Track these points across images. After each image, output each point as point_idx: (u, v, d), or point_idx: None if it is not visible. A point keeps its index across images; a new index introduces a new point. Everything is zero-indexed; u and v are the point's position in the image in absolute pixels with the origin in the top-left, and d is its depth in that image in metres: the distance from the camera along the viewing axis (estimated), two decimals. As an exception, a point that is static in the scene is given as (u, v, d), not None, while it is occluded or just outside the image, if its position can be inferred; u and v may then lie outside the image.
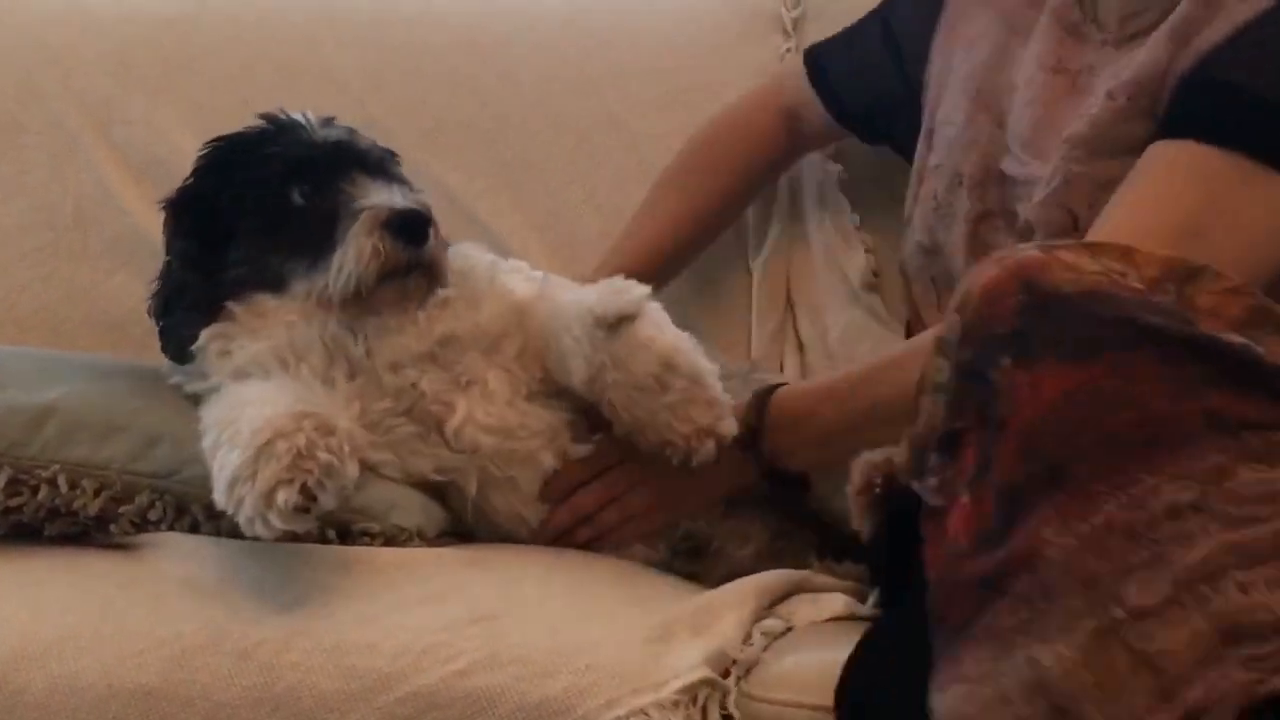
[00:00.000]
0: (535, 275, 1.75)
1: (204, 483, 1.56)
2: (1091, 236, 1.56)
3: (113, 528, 1.58)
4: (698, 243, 2.11)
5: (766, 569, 1.60)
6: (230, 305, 1.69)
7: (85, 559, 1.56)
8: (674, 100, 2.24)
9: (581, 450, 1.69)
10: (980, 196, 1.77)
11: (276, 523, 1.41)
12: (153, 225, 1.83)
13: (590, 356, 1.57)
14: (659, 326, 1.58)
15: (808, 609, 1.54)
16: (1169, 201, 1.56)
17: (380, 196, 1.66)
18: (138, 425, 1.63)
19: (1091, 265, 1.22)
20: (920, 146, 1.88)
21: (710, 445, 1.57)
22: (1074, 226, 1.65)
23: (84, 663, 1.42)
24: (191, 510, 1.60)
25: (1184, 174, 1.57)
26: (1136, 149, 1.62)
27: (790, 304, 2.19)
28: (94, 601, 1.48)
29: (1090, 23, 1.74)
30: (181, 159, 1.87)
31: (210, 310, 1.69)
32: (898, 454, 1.35)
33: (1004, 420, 1.20)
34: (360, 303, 1.65)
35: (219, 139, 1.78)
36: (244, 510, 1.43)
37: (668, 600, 1.54)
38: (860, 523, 1.57)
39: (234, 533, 1.55)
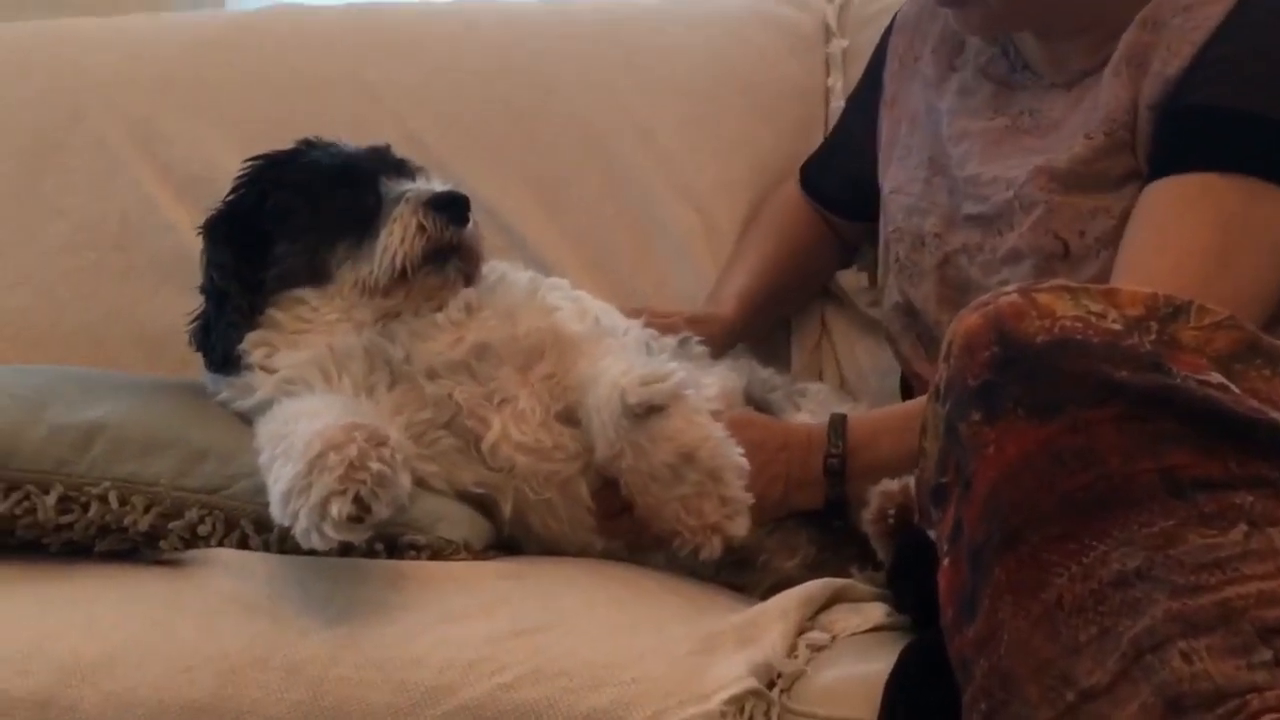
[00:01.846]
0: (583, 301, 1.75)
1: (252, 497, 1.58)
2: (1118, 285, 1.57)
3: (162, 544, 1.58)
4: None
5: (811, 580, 1.59)
6: (271, 311, 1.72)
7: (134, 576, 1.56)
8: (705, 117, 2.24)
9: None
10: (943, 243, 1.80)
11: (331, 534, 1.41)
12: (194, 243, 1.85)
13: (612, 441, 1.57)
14: (689, 419, 1.56)
15: (850, 619, 1.53)
16: (1188, 239, 1.56)
17: (423, 183, 1.74)
18: (184, 441, 1.64)
19: (1068, 309, 1.21)
20: (881, 216, 1.93)
21: (717, 542, 1.56)
22: (1065, 252, 1.67)
23: (135, 679, 1.42)
24: (240, 525, 1.60)
25: (1195, 208, 1.57)
26: (1116, 183, 1.65)
27: (824, 322, 2.21)
28: (144, 618, 1.48)
29: (1022, 70, 1.78)
30: (222, 175, 1.88)
31: (252, 316, 1.72)
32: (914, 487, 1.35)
33: (971, 479, 1.20)
34: (404, 286, 1.68)
35: (257, 157, 1.81)
36: (300, 523, 1.43)
37: (712, 612, 1.53)
38: (877, 549, 1.57)
39: (283, 547, 1.57)
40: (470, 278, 1.73)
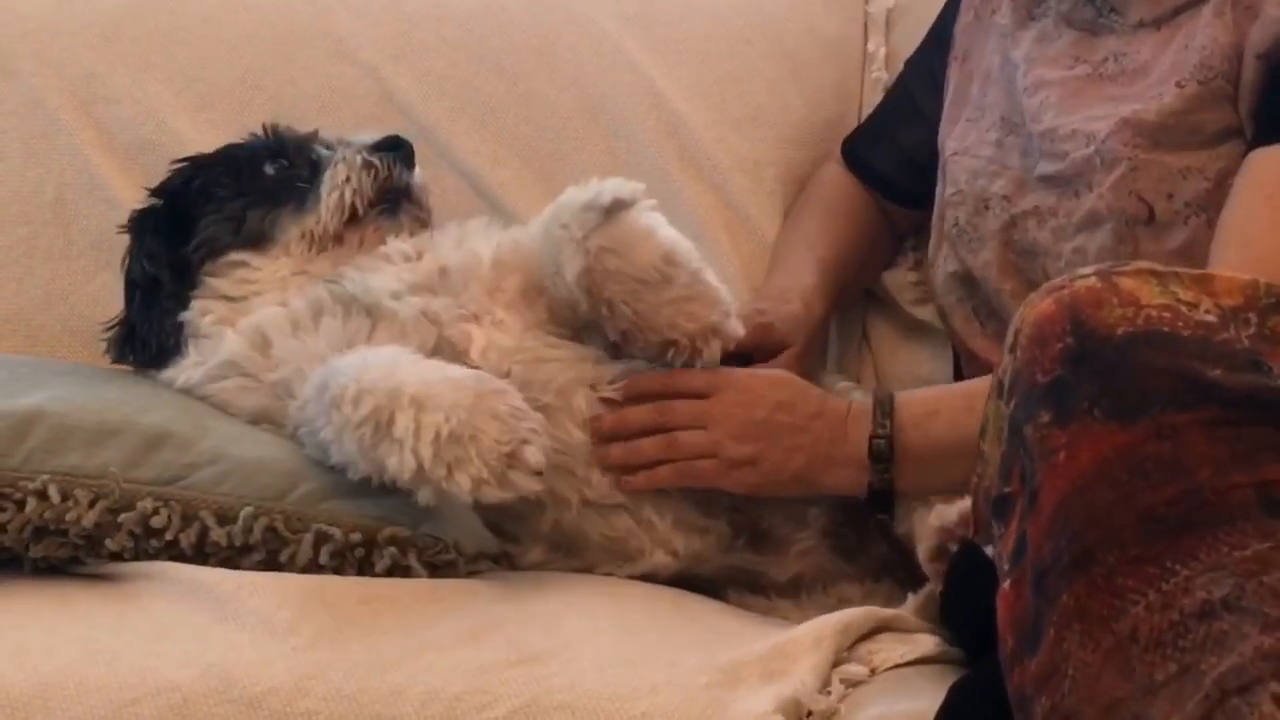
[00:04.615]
0: None
1: (213, 487, 1.59)
2: (1223, 265, 1.56)
3: (109, 542, 1.57)
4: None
5: (833, 560, 1.67)
6: (210, 280, 1.78)
7: (71, 594, 1.55)
8: (725, 85, 2.24)
9: (617, 370, 1.73)
10: (1011, 205, 1.81)
11: (521, 483, 1.50)
12: (141, 219, 1.85)
13: (582, 241, 1.62)
14: (656, 220, 1.64)
15: (894, 649, 1.54)
16: None
17: (360, 136, 1.82)
18: (136, 427, 1.63)
19: (1155, 296, 1.20)
20: (939, 182, 1.93)
21: (716, 346, 1.64)
22: (1150, 217, 1.67)
23: (71, 714, 1.41)
24: (200, 516, 1.59)
25: None
26: (1212, 139, 1.66)
27: (865, 327, 2.21)
28: (82, 644, 1.47)
29: (1109, 14, 1.78)
30: (174, 141, 1.89)
31: (186, 302, 1.78)
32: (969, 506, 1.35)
33: (1037, 490, 1.19)
34: (357, 232, 1.77)
35: (184, 159, 1.89)
36: (466, 471, 1.49)
37: (735, 639, 1.52)
38: (936, 587, 1.59)
39: (247, 540, 1.58)
40: (424, 225, 1.82)
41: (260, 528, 1.58)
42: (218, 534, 1.59)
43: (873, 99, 2.22)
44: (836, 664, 1.49)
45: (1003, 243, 1.80)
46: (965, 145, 1.89)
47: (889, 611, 1.60)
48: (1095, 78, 1.76)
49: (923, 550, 1.62)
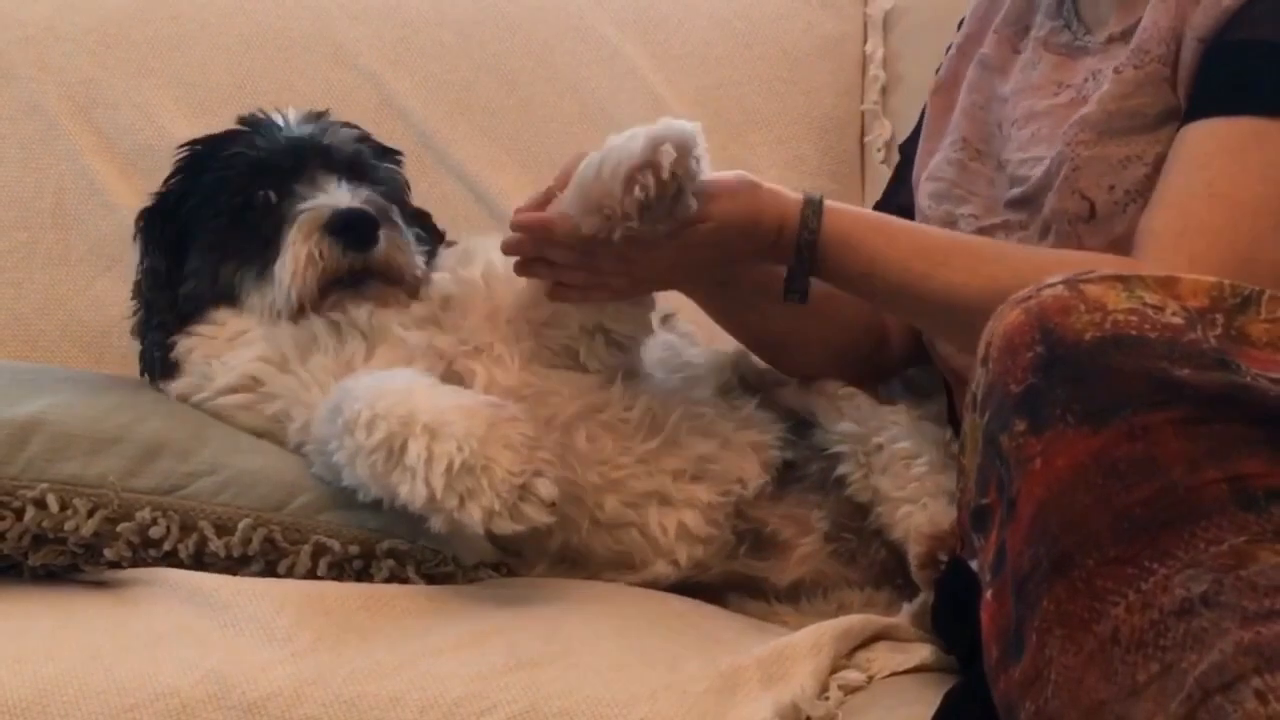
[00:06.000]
0: None
1: (212, 497, 1.59)
2: (1162, 238, 1.58)
3: (107, 552, 1.58)
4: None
5: (833, 566, 1.67)
6: (197, 328, 1.78)
7: (70, 601, 1.55)
8: (724, 89, 2.25)
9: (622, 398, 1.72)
10: (979, 220, 1.80)
11: (533, 515, 1.49)
12: (140, 223, 1.85)
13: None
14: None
15: (890, 657, 1.54)
16: (1245, 189, 1.57)
17: (326, 197, 1.74)
18: (135, 436, 1.64)
19: (1122, 301, 1.20)
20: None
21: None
22: (1091, 213, 1.67)
23: None
24: (199, 526, 1.60)
25: (1254, 155, 1.58)
26: (1153, 123, 1.65)
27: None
28: (81, 650, 1.46)
29: (1085, 36, 1.79)
30: (172, 146, 1.88)
31: (176, 326, 1.78)
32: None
33: (1015, 499, 1.19)
34: (319, 307, 1.72)
35: (192, 142, 1.85)
36: (479, 502, 1.47)
37: (734, 645, 1.52)
38: (930, 594, 1.59)
39: (245, 551, 1.58)
40: (402, 289, 1.76)
41: (258, 539, 1.59)
42: (216, 545, 1.59)
43: (872, 99, 2.23)
44: (835, 670, 1.50)
45: None
46: (930, 173, 1.88)
47: (886, 620, 1.60)
48: (1079, 101, 1.76)
49: (913, 557, 1.63)
